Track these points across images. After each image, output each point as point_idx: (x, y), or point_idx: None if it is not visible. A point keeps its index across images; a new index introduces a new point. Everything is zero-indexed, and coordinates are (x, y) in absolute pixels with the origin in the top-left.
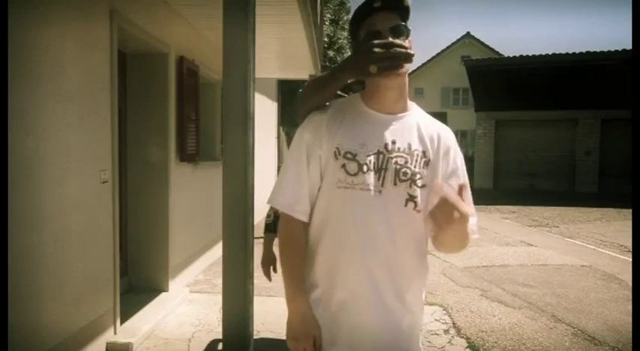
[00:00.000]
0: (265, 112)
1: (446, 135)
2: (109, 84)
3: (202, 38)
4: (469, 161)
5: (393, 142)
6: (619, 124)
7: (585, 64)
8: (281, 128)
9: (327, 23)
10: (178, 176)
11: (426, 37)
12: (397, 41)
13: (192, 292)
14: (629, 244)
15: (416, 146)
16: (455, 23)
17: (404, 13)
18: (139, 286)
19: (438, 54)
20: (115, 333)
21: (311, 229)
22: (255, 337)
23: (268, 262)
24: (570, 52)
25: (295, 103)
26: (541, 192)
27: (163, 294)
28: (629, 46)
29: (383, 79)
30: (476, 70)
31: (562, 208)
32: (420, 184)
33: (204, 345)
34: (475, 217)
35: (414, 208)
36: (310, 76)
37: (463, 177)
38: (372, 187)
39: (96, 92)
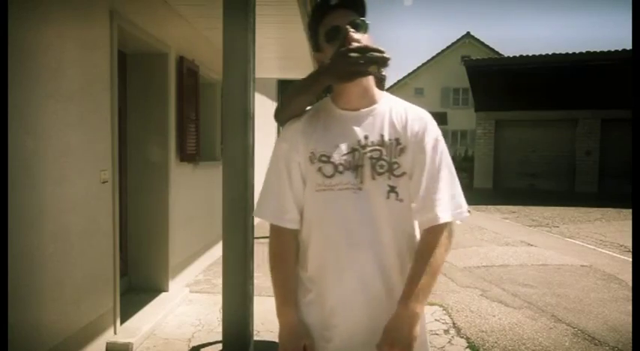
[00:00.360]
0: (265, 112)
1: (416, 117)
2: (109, 84)
3: (202, 38)
4: (469, 161)
5: (366, 138)
6: (619, 124)
7: (585, 64)
8: (281, 128)
9: None
10: (178, 176)
11: (426, 37)
12: (370, 46)
13: (192, 292)
14: (629, 244)
15: (389, 136)
16: (455, 23)
17: (360, 9)
18: (139, 286)
19: (438, 54)
20: (115, 333)
21: (299, 235)
22: (255, 337)
23: None
24: (570, 52)
25: (277, 107)
26: (541, 192)
27: (163, 294)
28: (629, 46)
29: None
30: (476, 70)
31: (562, 208)
32: (398, 173)
33: (204, 345)
34: (459, 198)
35: (396, 199)
36: None
37: (433, 159)
38: (350, 186)
39: (96, 92)
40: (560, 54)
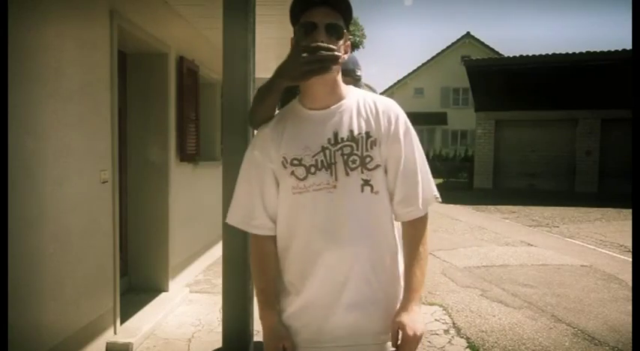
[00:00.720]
0: None
1: (384, 108)
2: (109, 84)
3: (202, 38)
4: (469, 161)
5: (336, 134)
6: (619, 124)
7: (585, 64)
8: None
9: None
10: (178, 176)
11: (426, 37)
12: (322, 44)
13: (192, 292)
14: (629, 244)
15: (358, 130)
16: (455, 23)
17: (345, 12)
18: (138, 286)
19: (438, 54)
20: (115, 333)
21: (278, 239)
22: (255, 337)
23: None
24: (570, 52)
25: (249, 112)
26: (541, 192)
27: (163, 294)
28: (629, 46)
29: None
30: (476, 70)
31: (562, 208)
32: (371, 167)
33: (204, 345)
34: (432, 183)
35: (372, 191)
36: None
37: (405, 150)
38: (324, 186)
39: (96, 92)
40: (560, 54)
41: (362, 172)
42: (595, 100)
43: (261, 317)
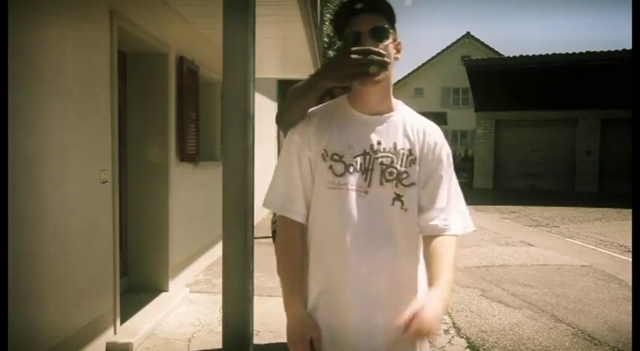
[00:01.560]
0: (265, 112)
1: (432, 131)
2: (109, 84)
3: (202, 38)
4: (469, 161)
5: (379, 143)
6: (619, 124)
7: (585, 64)
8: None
9: (327, 23)
10: (178, 176)
11: (426, 37)
12: (373, 48)
13: (192, 292)
14: (629, 244)
15: (401, 145)
16: (455, 23)
17: (388, 13)
18: (138, 286)
19: (438, 54)
20: (115, 333)
21: (309, 231)
22: (255, 337)
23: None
24: (570, 52)
25: (278, 111)
26: (541, 192)
27: (163, 294)
28: (629, 46)
29: (363, 84)
30: (476, 70)
31: (562, 208)
32: (406, 183)
33: (204, 345)
34: (467, 214)
35: (401, 207)
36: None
37: (447, 173)
38: (357, 188)
39: (96, 92)
40: (560, 54)
41: (396, 186)
42: (595, 100)
43: (286, 306)
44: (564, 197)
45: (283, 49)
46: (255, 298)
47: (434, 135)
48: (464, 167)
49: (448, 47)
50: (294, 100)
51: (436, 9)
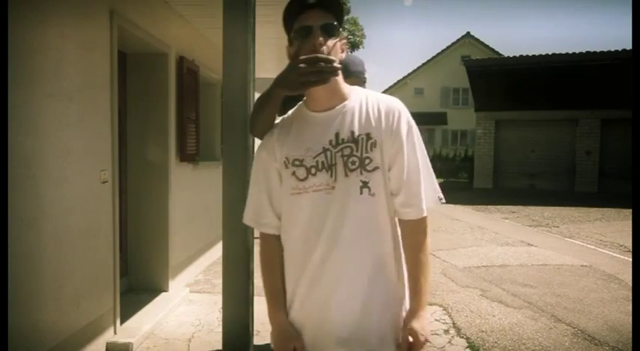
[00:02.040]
0: None
1: (387, 107)
2: (109, 84)
3: (202, 38)
4: (469, 161)
5: (337, 136)
6: (619, 124)
7: (585, 64)
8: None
9: None
10: (178, 176)
11: (426, 37)
12: (321, 56)
13: (192, 292)
14: (629, 244)
15: (359, 131)
16: (455, 23)
17: (338, 12)
18: (138, 286)
19: (438, 54)
20: (115, 333)
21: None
22: (255, 337)
23: None
24: (570, 52)
25: (249, 122)
26: (541, 192)
27: (163, 294)
28: (629, 46)
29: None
30: (476, 70)
31: (562, 208)
32: (370, 168)
33: (204, 345)
34: (435, 184)
35: (369, 193)
36: None
37: (409, 148)
38: (324, 187)
39: (96, 92)
40: (560, 54)
41: (361, 174)
42: (595, 100)
43: (270, 317)
44: (564, 197)
45: (283, 49)
46: (255, 298)
47: (389, 111)
48: (464, 167)
49: (448, 47)
50: (257, 110)
51: (436, 9)
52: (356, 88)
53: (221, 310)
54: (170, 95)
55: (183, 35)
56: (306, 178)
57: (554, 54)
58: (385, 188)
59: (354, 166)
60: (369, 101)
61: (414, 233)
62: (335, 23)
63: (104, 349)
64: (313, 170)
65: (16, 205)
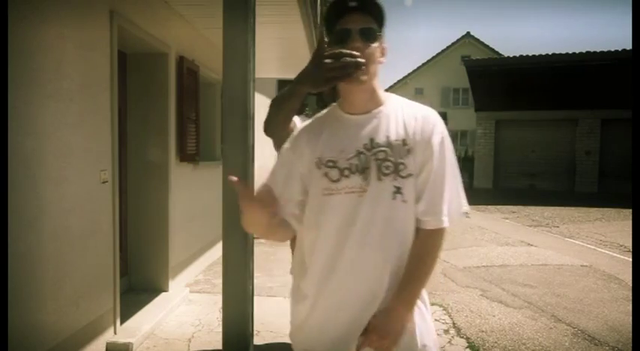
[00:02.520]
0: (265, 112)
1: (425, 117)
2: (109, 84)
3: (202, 38)
4: (469, 161)
5: (372, 140)
6: (619, 124)
7: (585, 64)
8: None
9: None
10: (178, 176)
11: (426, 37)
12: (345, 51)
13: (192, 292)
14: (629, 244)
15: (395, 137)
16: (455, 23)
17: (379, 17)
18: (138, 286)
19: (438, 54)
20: (115, 333)
21: (304, 240)
22: (255, 337)
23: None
24: (570, 52)
25: (264, 122)
26: (541, 192)
27: (163, 294)
28: (629, 46)
29: (348, 85)
30: (476, 70)
31: (562, 208)
32: (404, 175)
33: (204, 345)
34: (462, 198)
35: (402, 199)
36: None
37: (440, 160)
38: (356, 189)
39: (96, 92)
40: (560, 54)
41: (394, 179)
42: (595, 100)
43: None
44: (564, 197)
45: (283, 49)
46: (255, 298)
47: (428, 120)
48: (464, 167)
49: (448, 47)
50: (275, 109)
51: (436, 9)
52: (392, 94)
53: (221, 310)
54: (170, 95)
55: (183, 35)
56: (338, 180)
57: (554, 54)
58: (414, 196)
59: (387, 171)
60: (406, 109)
61: (427, 241)
62: (374, 27)
63: (104, 349)
64: (346, 172)
65: (16, 205)
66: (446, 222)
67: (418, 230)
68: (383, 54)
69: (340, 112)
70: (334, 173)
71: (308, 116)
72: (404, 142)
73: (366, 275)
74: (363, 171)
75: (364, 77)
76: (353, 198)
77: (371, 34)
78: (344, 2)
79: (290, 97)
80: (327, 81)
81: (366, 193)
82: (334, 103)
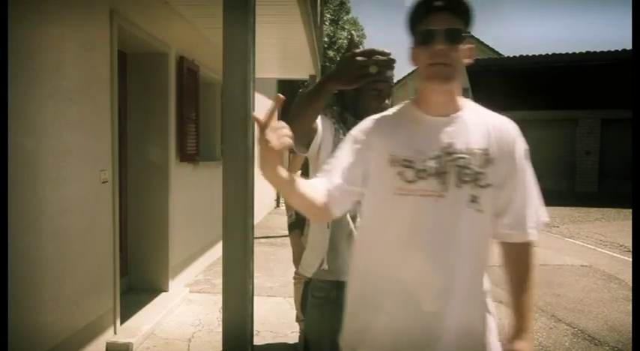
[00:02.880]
0: (265, 112)
1: (506, 128)
2: (109, 84)
3: (202, 38)
4: None
5: (451, 145)
6: (619, 124)
7: (585, 64)
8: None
9: (327, 23)
10: (178, 176)
11: None
12: (376, 49)
13: (192, 292)
14: (629, 244)
15: (475, 145)
16: None
17: (467, 17)
18: (138, 286)
19: None
20: (115, 333)
21: (365, 241)
22: (255, 337)
23: (299, 254)
24: (570, 52)
25: (287, 117)
26: (541, 192)
27: (163, 294)
28: (629, 46)
29: (432, 84)
30: (476, 70)
31: (562, 208)
32: (483, 184)
33: (204, 345)
34: (542, 208)
35: (477, 209)
36: (310, 76)
37: (523, 171)
38: (432, 193)
39: (96, 92)
40: (560, 54)
41: (473, 188)
42: (595, 100)
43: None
44: (564, 197)
45: (283, 49)
46: (255, 298)
47: (509, 131)
48: None
49: None
50: (302, 106)
51: None
52: (469, 100)
53: (221, 310)
54: (170, 95)
55: (183, 35)
56: (414, 181)
57: (554, 54)
58: (492, 207)
59: (467, 179)
60: (486, 118)
61: (520, 256)
62: (461, 28)
63: (104, 349)
64: (423, 174)
65: (16, 205)
66: (533, 235)
67: (505, 245)
68: (470, 56)
69: (417, 111)
70: (410, 173)
71: (327, 115)
72: (485, 152)
73: (433, 281)
74: (441, 175)
75: (453, 75)
76: (429, 202)
77: (457, 35)
78: (429, 1)
79: (318, 94)
80: (360, 78)
81: (442, 199)
82: (407, 101)
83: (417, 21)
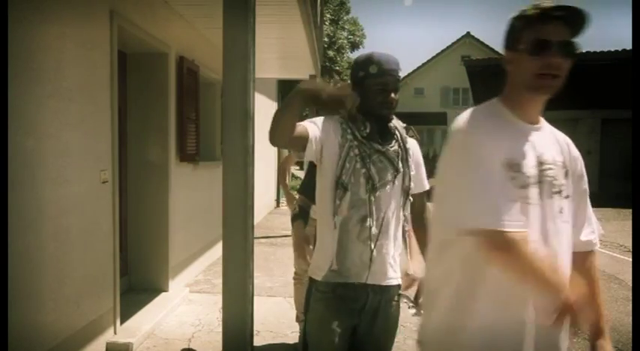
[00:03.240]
0: (265, 112)
1: (571, 143)
2: (109, 84)
3: (202, 38)
4: None
5: (543, 155)
6: (619, 124)
7: (585, 64)
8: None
9: (327, 23)
10: (178, 176)
11: (426, 37)
12: (347, 87)
13: (192, 292)
14: (629, 244)
15: (558, 158)
16: (455, 23)
17: (581, 30)
18: (138, 286)
19: (438, 54)
20: (115, 333)
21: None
22: (255, 337)
23: (300, 244)
24: None
25: (269, 131)
26: None
27: (163, 294)
28: (629, 46)
29: (537, 94)
30: (476, 70)
31: None
32: (564, 195)
33: (204, 345)
34: (595, 224)
35: (564, 221)
36: (310, 76)
37: (586, 184)
38: (533, 201)
39: (96, 92)
40: None
41: (559, 199)
42: (595, 100)
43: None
44: None
45: (283, 49)
46: (255, 298)
47: (574, 146)
48: None
49: (448, 47)
50: (281, 111)
51: (436, 9)
52: None
53: (221, 310)
54: (170, 95)
55: (183, 35)
56: (524, 187)
57: None
58: (572, 219)
59: (555, 190)
60: (556, 131)
61: (592, 264)
62: (576, 42)
63: (104, 349)
64: (529, 180)
65: (16, 205)
66: (597, 243)
67: (581, 255)
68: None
69: (511, 115)
70: (520, 180)
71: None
72: (563, 165)
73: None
74: (537, 184)
75: (556, 90)
76: (531, 209)
77: (572, 49)
78: (548, 10)
79: (290, 106)
80: (323, 104)
81: (540, 208)
82: (494, 101)
83: (529, 27)
